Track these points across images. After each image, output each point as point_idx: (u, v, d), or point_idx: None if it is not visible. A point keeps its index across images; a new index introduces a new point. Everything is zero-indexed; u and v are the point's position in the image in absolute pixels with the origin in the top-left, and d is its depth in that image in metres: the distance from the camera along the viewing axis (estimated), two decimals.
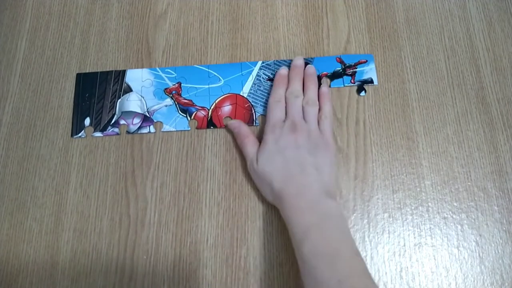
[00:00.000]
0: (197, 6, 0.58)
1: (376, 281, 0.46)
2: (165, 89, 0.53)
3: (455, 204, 0.48)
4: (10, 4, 0.58)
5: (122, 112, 0.52)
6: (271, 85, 0.52)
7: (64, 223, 0.48)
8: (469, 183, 0.49)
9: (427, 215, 0.48)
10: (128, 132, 0.51)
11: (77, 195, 0.49)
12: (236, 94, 0.53)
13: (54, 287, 0.46)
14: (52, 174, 0.50)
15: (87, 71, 0.54)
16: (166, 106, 0.53)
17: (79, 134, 0.51)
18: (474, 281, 0.46)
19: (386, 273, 0.46)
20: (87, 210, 0.48)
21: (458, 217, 0.48)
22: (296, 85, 0.50)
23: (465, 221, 0.48)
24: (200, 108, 0.52)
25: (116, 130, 0.52)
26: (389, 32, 0.56)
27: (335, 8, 0.57)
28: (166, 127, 0.52)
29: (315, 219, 0.41)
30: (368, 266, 0.46)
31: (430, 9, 0.57)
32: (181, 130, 0.51)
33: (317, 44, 0.55)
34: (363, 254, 0.46)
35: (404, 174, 0.50)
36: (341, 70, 0.54)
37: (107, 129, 0.52)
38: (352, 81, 0.53)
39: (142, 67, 0.54)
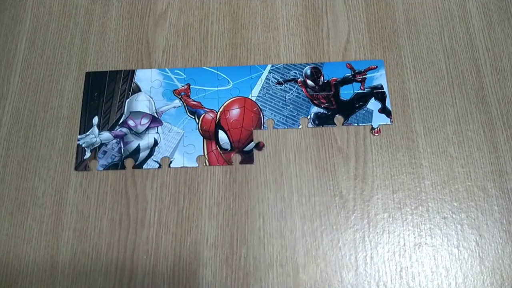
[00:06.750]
0: (197, 6, 0.58)
1: (376, 281, 0.46)
2: (174, 90, 0.53)
3: (455, 204, 0.48)
4: (10, 4, 0.58)
5: (130, 112, 0.52)
6: (280, 89, 0.53)
7: (64, 223, 0.48)
8: (469, 183, 0.49)
9: (427, 215, 0.48)
10: (136, 133, 0.51)
11: (77, 195, 0.49)
12: (244, 97, 0.53)
13: (54, 287, 0.46)
14: (52, 174, 0.50)
15: (88, 71, 0.54)
16: (174, 107, 0.52)
17: (87, 133, 0.51)
18: (474, 281, 0.46)
19: (386, 273, 0.46)
20: (87, 210, 0.48)
21: (458, 217, 0.48)
22: None
23: (465, 221, 0.48)
24: (208, 110, 0.52)
25: (124, 130, 0.52)
26: (389, 32, 0.56)
27: (335, 8, 0.57)
28: (174, 129, 0.52)
29: None
30: (368, 266, 0.46)
31: (430, 9, 0.57)
32: (185, 132, 0.51)
33: (317, 44, 0.55)
34: (363, 254, 0.46)
35: (404, 174, 0.50)
36: (350, 76, 0.53)
37: (115, 129, 0.52)
38: (361, 87, 0.53)
39: (142, 67, 0.54)
